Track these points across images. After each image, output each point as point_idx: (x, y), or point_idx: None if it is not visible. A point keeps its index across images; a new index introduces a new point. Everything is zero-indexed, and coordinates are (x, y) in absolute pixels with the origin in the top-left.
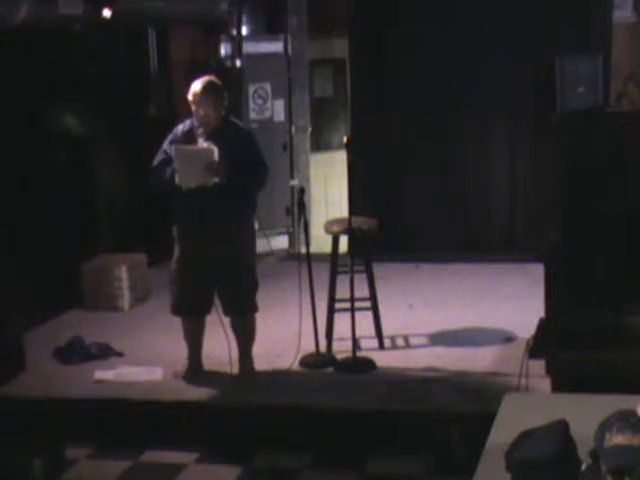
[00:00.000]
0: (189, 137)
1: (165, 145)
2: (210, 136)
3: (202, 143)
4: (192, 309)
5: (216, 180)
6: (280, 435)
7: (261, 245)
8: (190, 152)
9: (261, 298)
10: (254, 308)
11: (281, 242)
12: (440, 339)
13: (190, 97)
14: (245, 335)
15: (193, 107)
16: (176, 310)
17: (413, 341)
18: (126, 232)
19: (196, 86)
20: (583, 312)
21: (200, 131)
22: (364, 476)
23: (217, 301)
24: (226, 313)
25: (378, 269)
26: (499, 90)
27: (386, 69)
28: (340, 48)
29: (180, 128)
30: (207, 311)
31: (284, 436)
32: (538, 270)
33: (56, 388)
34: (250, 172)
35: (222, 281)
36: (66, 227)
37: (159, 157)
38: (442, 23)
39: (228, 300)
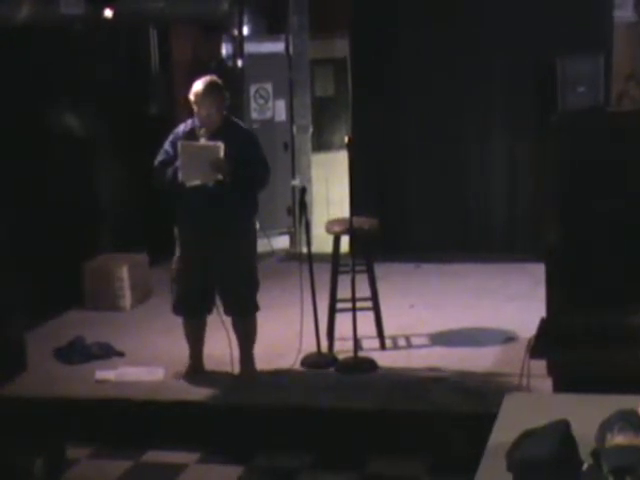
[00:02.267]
0: (191, 137)
1: (166, 145)
2: (212, 136)
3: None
4: (193, 309)
5: (220, 178)
6: (281, 435)
7: (262, 245)
8: (196, 148)
9: (262, 298)
10: (255, 308)
11: (282, 242)
12: (441, 339)
13: (192, 97)
14: (246, 335)
15: (195, 107)
16: (177, 309)
17: (414, 341)
18: (127, 232)
19: (198, 86)
20: (584, 312)
21: (202, 131)
22: (365, 476)
23: (218, 301)
24: (227, 313)
25: (379, 269)
26: (499, 90)
27: (387, 69)
28: (341, 48)
29: (182, 128)
30: (208, 311)
31: (285, 436)
32: (539, 270)
33: (57, 388)
34: (252, 172)
35: (223, 281)
36: (67, 227)
37: (160, 157)
38: (442, 23)
39: (229, 300)
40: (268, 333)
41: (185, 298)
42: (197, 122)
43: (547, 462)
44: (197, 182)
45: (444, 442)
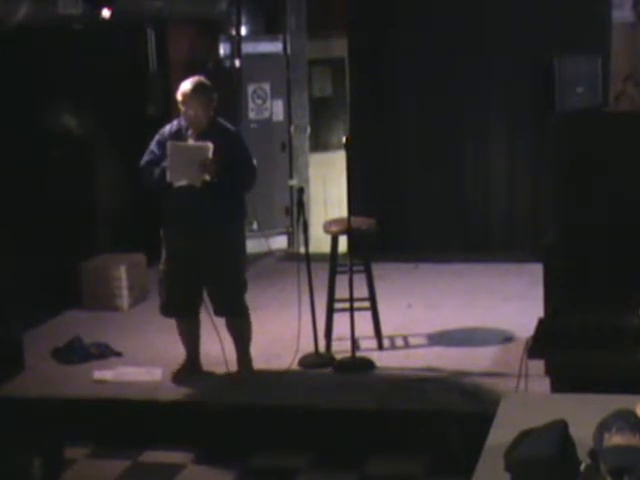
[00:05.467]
0: (177, 137)
1: (153, 145)
2: (199, 137)
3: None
4: (180, 309)
5: (207, 178)
6: (279, 435)
7: (260, 245)
8: (185, 148)
9: (260, 298)
10: (244, 309)
11: (280, 242)
12: (439, 339)
13: (179, 97)
14: (241, 335)
15: (182, 107)
16: (164, 310)
17: (412, 341)
18: (125, 232)
19: (185, 86)
20: (582, 312)
21: (189, 132)
22: (363, 476)
23: (208, 301)
24: (217, 314)
25: (377, 269)
26: (498, 90)
27: (385, 69)
28: (339, 48)
29: (168, 128)
30: (195, 311)
31: (283, 436)
32: (537, 270)
33: (55, 388)
34: (239, 173)
35: (211, 282)
36: (65, 227)
37: (147, 157)
38: (441, 23)
39: (217, 301)
40: (266, 333)
41: (172, 299)
42: (184, 122)
43: (545, 462)
44: (185, 182)
45: (442, 442)
